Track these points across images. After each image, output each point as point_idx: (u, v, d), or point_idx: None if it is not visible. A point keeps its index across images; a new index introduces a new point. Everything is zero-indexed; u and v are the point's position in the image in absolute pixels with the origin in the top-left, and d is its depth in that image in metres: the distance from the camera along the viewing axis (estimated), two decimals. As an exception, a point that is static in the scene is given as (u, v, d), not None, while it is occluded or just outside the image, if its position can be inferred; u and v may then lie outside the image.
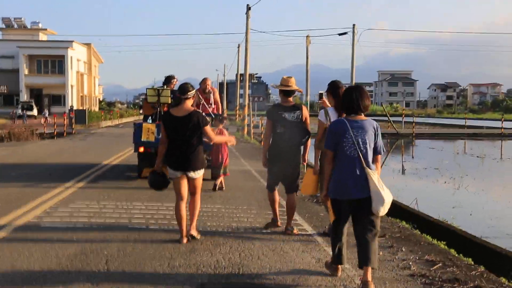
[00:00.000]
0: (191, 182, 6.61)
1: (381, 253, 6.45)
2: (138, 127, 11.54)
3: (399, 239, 7.28)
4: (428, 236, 7.71)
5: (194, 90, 6.71)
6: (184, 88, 6.54)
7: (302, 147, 7.30)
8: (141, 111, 12.81)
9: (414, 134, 35.74)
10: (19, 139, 28.03)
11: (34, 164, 15.55)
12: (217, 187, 10.72)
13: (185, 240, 6.60)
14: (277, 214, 7.48)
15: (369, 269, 5.01)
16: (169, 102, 11.23)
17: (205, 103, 12.18)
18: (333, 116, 6.44)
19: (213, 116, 11.58)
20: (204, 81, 12.22)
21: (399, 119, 43.79)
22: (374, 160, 5.17)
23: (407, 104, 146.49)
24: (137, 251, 6.31)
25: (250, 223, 7.98)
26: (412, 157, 25.25)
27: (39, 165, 15.37)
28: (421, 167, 19.78)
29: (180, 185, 6.57)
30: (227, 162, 10.83)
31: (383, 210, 4.97)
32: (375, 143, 5.14)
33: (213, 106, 12.53)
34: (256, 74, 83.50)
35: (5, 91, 27.90)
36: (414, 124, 36.94)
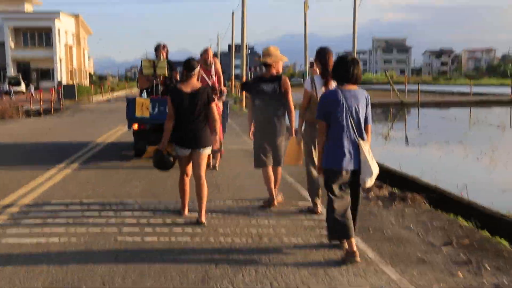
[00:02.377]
0: (197, 160, 6.42)
1: (459, 273, 4.81)
2: (131, 102, 10.63)
3: (472, 248, 5.59)
4: (503, 240, 6.01)
5: (199, 66, 6.56)
6: (190, 64, 6.38)
7: (282, 119, 7.09)
8: (137, 85, 12.01)
9: (419, 102, 33.95)
10: (3, 117, 26.21)
11: (14, 145, 13.77)
12: (213, 166, 9.96)
13: (186, 212, 6.73)
14: (273, 192, 7.19)
15: (353, 240, 5.09)
16: (166, 74, 10.43)
17: (204, 76, 10.86)
18: (318, 84, 6.40)
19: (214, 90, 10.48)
20: (205, 51, 11.11)
21: (401, 87, 41.82)
22: (365, 129, 5.14)
23: (402, 71, 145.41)
24: (128, 283, 4.59)
25: (273, 229, 6.25)
26: (424, 127, 23.12)
27: (19, 145, 13.61)
28: (441, 139, 17.91)
29: (187, 163, 6.49)
30: (222, 138, 9.65)
31: (370, 182, 5.01)
32: (366, 113, 5.14)
33: (213, 78, 11.19)
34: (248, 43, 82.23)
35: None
36: (419, 92, 35.17)
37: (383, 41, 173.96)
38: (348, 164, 4.98)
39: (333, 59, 6.18)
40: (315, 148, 6.50)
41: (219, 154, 10.09)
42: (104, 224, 6.40)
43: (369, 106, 5.21)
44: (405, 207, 7.41)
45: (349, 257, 5.04)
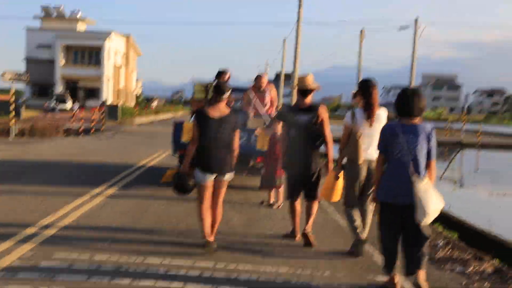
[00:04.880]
0: (219, 187, 6.31)
1: None
2: (178, 126, 10.33)
3: None
4: None
5: (230, 90, 6.35)
6: (221, 88, 6.23)
7: (318, 151, 6.74)
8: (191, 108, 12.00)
9: (480, 143, 31.65)
10: (43, 135, 25.47)
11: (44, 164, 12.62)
12: (274, 202, 9.19)
13: (212, 238, 6.33)
14: (297, 225, 6.94)
15: (421, 272, 5.00)
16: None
17: (258, 103, 10.52)
18: (359, 117, 6.15)
19: (267, 118, 10.00)
20: (259, 78, 10.64)
21: (455, 126, 39.54)
22: (427, 166, 5.01)
23: (451, 109, 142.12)
24: None
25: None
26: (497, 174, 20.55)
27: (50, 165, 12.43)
28: None
29: (208, 189, 6.27)
30: (283, 172, 8.26)
31: (427, 220, 4.88)
32: (428, 148, 5.00)
33: (267, 106, 10.65)
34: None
35: (26, 79, 25.44)
36: (480, 132, 32.82)
37: (433, 77, 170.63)
38: (401, 199, 4.96)
39: (377, 92, 6.19)
40: (356, 187, 6.25)
41: (279, 190, 9.16)
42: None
43: (433, 140, 5.05)
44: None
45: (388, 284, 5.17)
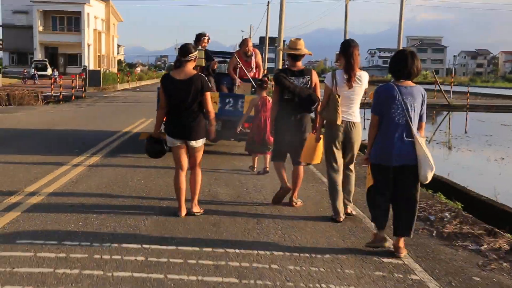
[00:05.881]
0: (191, 152, 6.17)
1: None
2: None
3: None
4: None
5: (196, 52, 6.14)
6: (185, 49, 6.02)
7: (309, 115, 6.75)
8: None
9: (468, 105, 31.08)
10: (21, 103, 24.55)
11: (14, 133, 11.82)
12: (264, 169, 8.90)
13: (183, 213, 6.18)
14: (285, 179, 6.86)
15: (402, 238, 5.16)
16: (203, 64, 9.40)
17: (243, 67, 10.47)
18: (340, 80, 6.03)
19: (254, 83, 10.00)
20: (245, 42, 10.72)
21: (445, 88, 38.83)
22: (419, 127, 5.06)
23: (436, 72, 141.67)
24: None
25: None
26: (489, 136, 18.85)
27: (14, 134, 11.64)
28: None
29: (180, 154, 6.18)
30: (272, 137, 7.67)
31: (430, 176, 4.93)
32: (421, 110, 5.04)
33: (254, 70, 10.69)
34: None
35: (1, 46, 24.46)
36: (468, 94, 32.19)
37: (418, 40, 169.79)
38: (396, 160, 4.96)
39: (358, 53, 6.02)
40: (337, 148, 6.17)
41: (268, 155, 8.76)
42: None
43: (425, 103, 5.10)
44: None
45: (377, 242, 5.26)
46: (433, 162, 4.88)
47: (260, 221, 6.14)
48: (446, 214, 6.66)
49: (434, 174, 9.27)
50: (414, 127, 4.96)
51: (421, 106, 5.02)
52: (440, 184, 8.83)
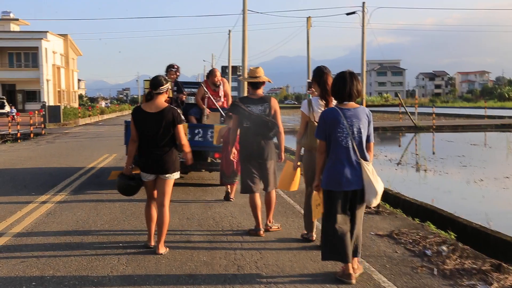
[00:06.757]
0: (161, 186, 5.91)
1: None
2: (128, 126, 9.34)
3: None
4: None
5: (168, 84, 5.97)
6: (156, 81, 5.85)
7: (272, 142, 6.76)
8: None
9: (434, 126, 31.07)
10: (-24, 143, 23.37)
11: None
12: (229, 196, 9.11)
13: (152, 243, 6.05)
14: (260, 221, 6.79)
15: (356, 259, 5.13)
16: (171, 95, 9.43)
17: (211, 97, 10.23)
18: (316, 106, 6.04)
19: (223, 112, 9.93)
20: (213, 72, 10.58)
21: (409, 109, 38.95)
22: (367, 148, 5.01)
23: (396, 94, 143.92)
24: None
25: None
26: (462, 156, 18.41)
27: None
28: (491, 174, 14.19)
29: (152, 188, 6.01)
30: (238, 166, 7.89)
31: (375, 201, 4.94)
32: (369, 131, 5.00)
33: (222, 100, 10.55)
34: (240, 66, 78.52)
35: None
36: (434, 115, 32.23)
37: (377, 64, 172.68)
38: (348, 185, 4.88)
39: (331, 79, 5.83)
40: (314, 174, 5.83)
41: (234, 185, 9.00)
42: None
43: (371, 124, 5.05)
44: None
45: (345, 277, 4.97)
46: (379, 187, 4.85)
47: (241, 268, 5.47)
48: (443, 247, 6.10)
49: (418, 201, 8.98)
50: (361, 149, 4.91)
51: (368, 126, 4.98)
52: (427, 212, 8.34)
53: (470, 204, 10.58)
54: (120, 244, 6.34)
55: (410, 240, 6.50)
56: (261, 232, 6.77)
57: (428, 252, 5.98)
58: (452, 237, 6.97)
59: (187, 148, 6.02)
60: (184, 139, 5.98)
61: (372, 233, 6.95)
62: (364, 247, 6.10)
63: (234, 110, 6.74)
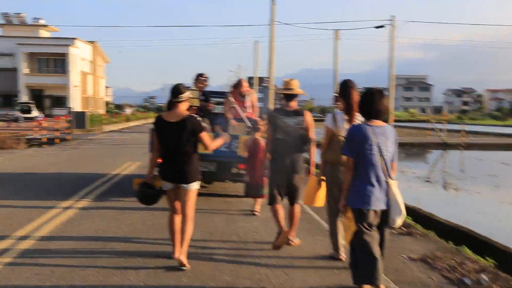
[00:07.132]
0: (183, 196, 5.79)
1: None
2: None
3: None
4: None
5: (188, 92, 5.87)
6: (175, 90, 5.75)
7: (302, 155, 6.58)
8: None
9: (463, 143, 30.38)
10: (1, 147, 23.44)
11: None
12: (254, 211, 8.91)
13: (177, 255, 5.78)
14: (283, 224, 6.68)
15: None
16: (198, 104, 9.44)
17: (238, 108, 10.13)
18: (340, 121, 5.94)
19: (249, 123, 9.75)
20: (240, 83, 10.45)
21: (437, 126, 38.18)
22: (391, 168, 4.91)
23: (423, 110, 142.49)
24: None
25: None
26: (493, 176, 17.63)
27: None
28: None
29: (174, 198, 5.89)
30: (265, 179, 7.87)
31: (400, 222, 4.85)
32: (394, 150, 4.92)
33: (248, 110, 10.39)
34: (267, 78, 77.94)
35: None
36: (462, 132, 31.54)
37: (403, 78, 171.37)
38: (377, 204, 4.78)
39: (357, 93, 5.82)
40: (339, 191, 5.66)
41: (260, 199, 8.81)
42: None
43: (397, 143, 4.99)
44: None
45: None
46: (403, 207, 4.78)
47: (267, 290, 5.15)
48: (483, 275, 5.70)
49: (452, 223, 8.55)
50: (389, 168, 4.83)
51: (393, 145, 4.91)
52: (461, 235, 7.90)
53: (507, 227, 10.09)
54: (139, 259, 6.07)
55: (446, 266, 6.10)
56: (287, 232, 6.63)
57: (467, 281, 5.59)
58: (491, 264, 6.56)
59: (214, 147, 5.97)
60: (211, 143, 5.88)
61: (404, 255, 6.56)
62: (397, 272, 5.76)
63: (270, 120, 6.70)
